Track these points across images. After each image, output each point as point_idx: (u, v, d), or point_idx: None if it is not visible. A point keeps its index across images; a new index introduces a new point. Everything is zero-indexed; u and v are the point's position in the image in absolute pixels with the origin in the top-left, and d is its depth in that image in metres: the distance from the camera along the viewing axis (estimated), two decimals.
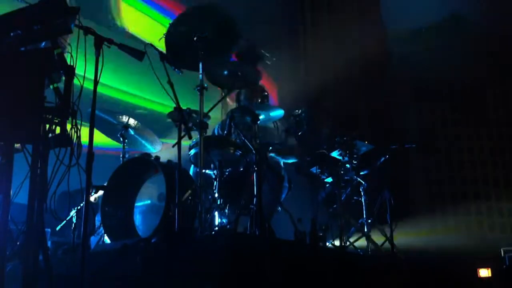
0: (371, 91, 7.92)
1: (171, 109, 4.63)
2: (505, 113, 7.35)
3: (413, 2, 7.94)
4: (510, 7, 7.19)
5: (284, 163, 5.96)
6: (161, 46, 4.94)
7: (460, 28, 7.47)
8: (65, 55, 3.29)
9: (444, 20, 7.56)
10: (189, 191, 4.67)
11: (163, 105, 6.94)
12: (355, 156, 5.97)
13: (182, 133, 4.55)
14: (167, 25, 5.17)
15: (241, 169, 5.23)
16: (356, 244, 5.92)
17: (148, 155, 5.06)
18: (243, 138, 5.17)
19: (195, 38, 4.94)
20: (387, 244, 5.86)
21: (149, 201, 4.89)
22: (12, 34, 3.12)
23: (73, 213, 4.75)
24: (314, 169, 5.98)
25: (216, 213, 4.94)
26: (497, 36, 7.07)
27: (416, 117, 7.98)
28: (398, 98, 7.89)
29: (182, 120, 4.55)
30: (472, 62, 7.23)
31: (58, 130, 3.13)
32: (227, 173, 5.15)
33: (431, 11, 7.66)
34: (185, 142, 4.77)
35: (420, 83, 7.93)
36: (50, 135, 3.09)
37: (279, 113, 5.54)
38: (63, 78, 3.24)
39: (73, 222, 4.75)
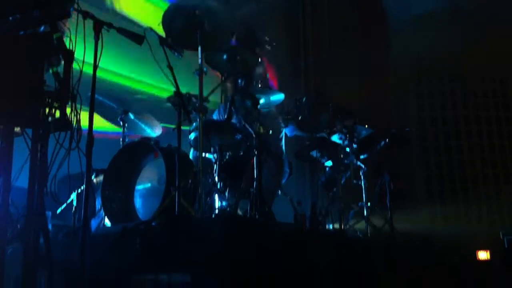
0: (372, 77, 7.90)
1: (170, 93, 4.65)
2: (504, 105, 7.32)
3: None
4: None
5: (285, 147, 5.97)
6: (161, 30, 4.93)
7: (460, 17, 7.44)
8: (64, 39, 3.29)
9: (445, 8, 7.53)
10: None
11: (163, 89, 6.91)
12: (355, 140, 5.98)
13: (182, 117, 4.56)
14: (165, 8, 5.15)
15: (241, 153, 5.24)
16: (355, 227, 5.95)
17: (148, 139, 5.07)
18: (243, 122, 5.18)
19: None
20: (386, 227, 5.89)
21: (149, 184, 4.91)
22: (11, 18, 3.12)
23: (73, 196, 4.77)
24: (314, 153, 5.99)
25: (216, 197, 4.96)
26: (497, 26, 7.05)
27: (416, 105, 7.97)
28: (399, 85, 7.88)
29: (182, 104, 4.56)
30: (472, 52, 7.21)
31: (57, 114, 3.15)
32: (227, 157, 5.16)
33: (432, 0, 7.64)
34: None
35: (420, 72, 7.92)
36: (49, 119, 3.11)
37: (279, 97, 5.55)
38: (63, 62, 3.25)
39: (73, 205, 4.77)
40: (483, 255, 5.78)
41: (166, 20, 5.03)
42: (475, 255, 5.80)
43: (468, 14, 7.38)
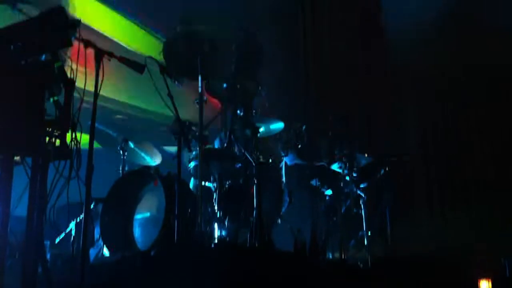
0: (372, 81, 7.91)
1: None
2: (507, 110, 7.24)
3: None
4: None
5: (286, 176, 5.95)
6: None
7: (460, 23, 7.46)
8: (65, 68, 3.31)
9: (445, 14, 7.54)
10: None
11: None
12: (354, 168, 5.97)
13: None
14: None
15: (241, 181, 5.23)
16: (356, 256, 5.91)
17: (147, 167, 5.07)
18: (243, 150, 5.19)
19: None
20: (387, 256, 5.85)
21: (148, 214, 4.89)
22: (12, 47, 3.14)
23: (72, 225, 4.75)
24: (314, 182, 5.98)
25: (216, 226, 4.94)
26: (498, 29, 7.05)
27: (417, 119, 7.94)
28: (398, 99, 7.87)
29: (182, 133, 4.57)
30: (473, 60, 7.22)
31: (57, 142, 3.14)
32: (227, 186, 5.15)
33: (432, 6, 7.65)
34: None
35: (421, 81, 7.90)
36: (49, 147, 3.10)
37: (279, 125, 5.57)
38: (63, 91, 3.26)
39: (72, 234, 4.74)
40: (484, 285, 5.72)
41: (167, 48, 5.07)
42: (476, 285, 5.74)
43: (468, 18, 7.40)
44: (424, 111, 7.84)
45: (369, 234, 5.93)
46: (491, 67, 7.16)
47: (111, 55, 3.83)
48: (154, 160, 5.60)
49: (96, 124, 3.68)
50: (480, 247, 6.15)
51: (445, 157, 7.55)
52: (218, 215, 4.96)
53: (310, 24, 8.92)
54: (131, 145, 5.40)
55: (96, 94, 3.66)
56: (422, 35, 7.66)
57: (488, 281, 5.68)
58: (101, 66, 3.72)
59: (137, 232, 4.86)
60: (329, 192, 6.09)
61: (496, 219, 6.78)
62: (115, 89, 6.81)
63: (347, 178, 5.93)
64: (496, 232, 6.55)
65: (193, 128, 4.97)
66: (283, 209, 5.68)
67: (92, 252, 4.90)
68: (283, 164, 5.96)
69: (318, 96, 8.19)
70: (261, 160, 5.18)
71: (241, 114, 5.87)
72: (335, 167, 6.01)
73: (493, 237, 6.44)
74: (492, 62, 7.11)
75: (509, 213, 6.67)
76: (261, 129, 5.31)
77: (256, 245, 4.67)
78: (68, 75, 3.30)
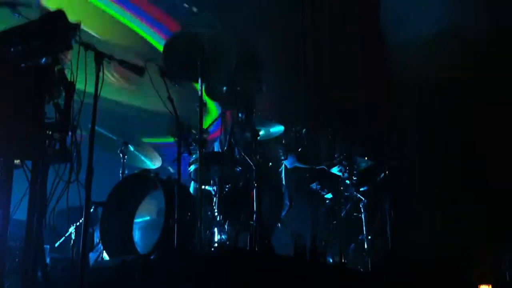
0: (372, 89, 7.92)
1: None
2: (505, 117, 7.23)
3: (413, 12, 7.94)
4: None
5: (285, 180, 5.95)
6: None
7: (460, 38, 7.48)
8: (66, 71, 3.30)
9: (444, 30, 7.57)
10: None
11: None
12: (355, 172, 5.96)
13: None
14: None
15: (241, 185, 5.22)
16: (356, 260, 5.89)
17: (147, 171, 5.05)
18: (242, 154, 5.18)
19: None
20: (387, 260, 5.83)
21: (148, 217, 4.88)
22: (12, 50, 3.13)
23: (72, 229, 4.74)
24: (314, 185, 5.97)
25: (216, 230, 4.93)
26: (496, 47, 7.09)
27: (416, 127, 7.94)
28: (399, 108, 7.88)
29: (182, 136, 4.56)
30: (472, 73, 7.24)
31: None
32: (226, 189, 5.14)
33: (431, 21, 7.68)
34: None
35: (421, 84, 7.91)
36: (49, 151, 3.09)
37: (279, 129, 5.55)
38: (63, 93, 3.26)
39: (72, 238, 4.73)
40: None
41: (167, 49, 5.05)
42: None
43: (468, 30, 7.42)
44: (425, 112, 7.85)
45: (370, 238, 5.92)
46: (491, 68, 7.17)
47: (111, 58, 3.82)
48: (154, 163, 5.59)
49: (96, 127, 3.66)
50: (481, 252, 6.15)
51: (444, 161, 7.54)
52: (218, 219, 4.94)
53: (310, 24, 8.91)
54: (131, 148, 5.38)
55: (96, 97, 3.65)
56: (422, 36, 7.69)
57: (489, 286, 5.68)
58: (101, 69, 3.72)
59: (137, 235, 4.84)
60: (329, 195, 6.08)
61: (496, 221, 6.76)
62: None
63: (347, 181, 5.92)
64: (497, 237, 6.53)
65: (193, 131, 4.96)
66: (283, 213, 5.67)
67: (92, 256, 4.89)
68: (282, 167, 5.95)
69: (317, 97, 8.18)
70: (261, 163, 5.16)
71: (241, 117, 5.87)
72: (335, 170, 6.00)
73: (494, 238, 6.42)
74: (492, 65, 7.13)
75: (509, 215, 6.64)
76: (261, 132, 5.29)
77: (256, 249, 4.65)
78: (68, 78, 3.30)
